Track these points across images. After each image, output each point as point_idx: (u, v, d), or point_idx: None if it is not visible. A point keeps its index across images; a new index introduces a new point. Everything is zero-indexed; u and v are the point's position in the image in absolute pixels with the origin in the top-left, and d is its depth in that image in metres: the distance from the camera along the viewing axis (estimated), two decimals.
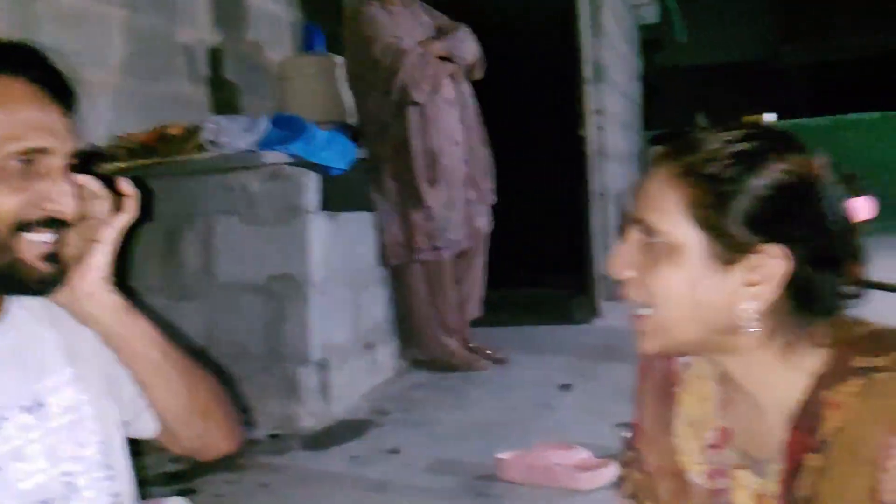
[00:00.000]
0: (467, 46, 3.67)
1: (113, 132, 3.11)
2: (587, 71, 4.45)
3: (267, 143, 2.92)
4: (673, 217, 0.88)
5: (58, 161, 0.96)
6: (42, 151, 0.94)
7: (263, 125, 2.93)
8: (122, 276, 1.08)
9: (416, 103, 3.48)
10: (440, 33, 3.66)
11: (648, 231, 0.90)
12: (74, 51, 3.02)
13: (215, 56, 3.97)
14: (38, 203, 0.94)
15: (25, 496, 0.98)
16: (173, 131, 3.10)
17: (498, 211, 3.91)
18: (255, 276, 2.91)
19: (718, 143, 0.89)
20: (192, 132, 3.07)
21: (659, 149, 0.96)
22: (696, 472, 1.01)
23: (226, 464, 2.49)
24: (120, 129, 3.14)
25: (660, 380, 1.07)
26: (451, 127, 3.61)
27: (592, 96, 4.54)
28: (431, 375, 3.57)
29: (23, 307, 1.04)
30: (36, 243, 0.95)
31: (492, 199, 3.80)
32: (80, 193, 1.00)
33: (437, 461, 2.49)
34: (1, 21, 2.83)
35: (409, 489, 2.29)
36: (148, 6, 3.54)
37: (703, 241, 0.87)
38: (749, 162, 0.86)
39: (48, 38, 2.98)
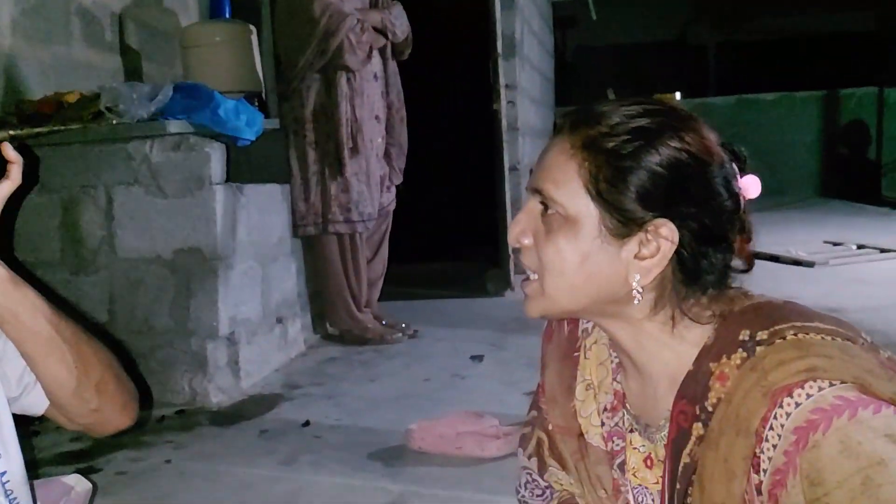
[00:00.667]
0: (401, 23, 3.66)
1: (5, 100, 2.95)
2: (499, 45, 4.46)
3: (170, 112, 2.82)
4: (569, 188, 0.90)
5: None
6: None
7: (166, 93, 2.83)
8: (9, 248, 1.03)
9: (347, 69, 3.44)
10: (375, 6, 3.63)
11: (545, 201, 0.92)
12: None
13: (118, 21, 3.80)
14: None
15: None
16: (70, 98, 2.97)
17: (412, 185, 3.90)
18: (159, 249, 2.83)
19: (618, 117, 0.90)
20: (90, 99, 2.94)
21: (560, 120, 0.97)
22: (594, 434, 1.04)
23: (130, 441, 2.43)
24: (12, 96, 2.99)
25: (563, 343, 1.09)
26: (373, 101, 3.61)
27: (504, 71, 4.55)
28: (344, 349, 3.55)
29: None
30: None
31: (400, 179, 3.82)
32: None
33: (348, 434, 2.49)
34: None
35: (319, 462, 2.28)
36: None
37: (597, 213, 0.89)
38: (646, 138, 0.88)
39: None
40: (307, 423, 2.59)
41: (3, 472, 1.06)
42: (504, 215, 4.48)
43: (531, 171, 0.97)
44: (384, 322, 3.72)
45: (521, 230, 0.94)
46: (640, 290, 0.90)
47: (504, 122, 4.48)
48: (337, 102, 3.47)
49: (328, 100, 3.49)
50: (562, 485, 1.13)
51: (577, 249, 0.90)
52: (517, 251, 0.97)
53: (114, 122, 2.77)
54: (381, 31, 3.59)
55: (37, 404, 1.14)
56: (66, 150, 2.81)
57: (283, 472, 2.24)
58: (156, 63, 3.97)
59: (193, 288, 2.82)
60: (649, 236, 0.88)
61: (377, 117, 3.65)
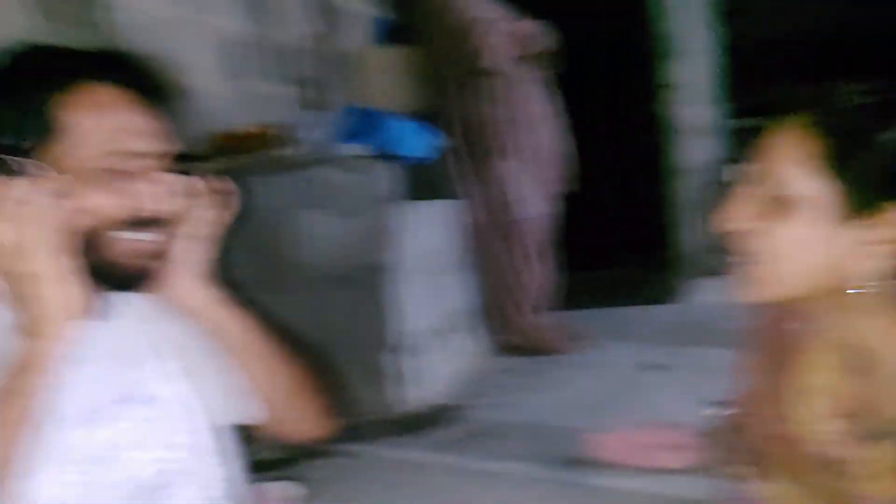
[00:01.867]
0: (538, 36, 3.65)
1: (206, 133, 3.22)
2: (661, 43, 4.35)
3: (345, 137, 2.97)
4: (797, 170, 0.86)
5: (151, 163, 1.00)
6: (135, 154, 0.98)
7: (341, 119, 2.98)
8: (221, 271, 1.13)
9: (489, 74, 3.50)
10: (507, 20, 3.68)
11: (770, 183, 0.88)
12: (170, 57, 3.13)
13: (296, 55, 4.05)
14: (133, 204, 0.98)
15: (143, 482, 1.04)
16: (256, 130, 3.19)
17: (575, 192, 3.87)
18: (340, 267, 2.97)
19: (846, 97, 0.86)
20: (273, 130, 3.15)
21: (780, 101, 0.93)
22: (816, 441, 0.98)
23: (316, 451, 2.56)
24: (208, 130, 3.25)
25: (775, 346, 1.04)
26: (524, 106, 3.62)
27: (667, 69, 4.43)
28: (519, 359, 3.57)
29: (126, 302, 1.09)
30: (132, 242, 0.99)
31: (569, 185, 3.78)
32: (177, 192, 1.04)
33: (530, 443, 2.50)
34: (94, 34, 2.96)
35: (502, 474, 2.31)
36: (231, 9, 3.64)
37: (827, 195, 0.84)
38: (882, 116, 0.83)
39: (137, 42, 3.10)
40: (488, 433, 2.63)
41: (227, 479, 1.15)
42: (673, 218, 4.35)
43: (697, 170, 0.94)
44: (558, 331, 3.70)
45: (739, 214, 0.91)
46: (872, 277, 0.84)
47: (669, 122, 4.35)
48: (483, 108, 3.52)
49: (475, 107, 3.55)
50: (764, 494, 1.08)
51: (804, 232, 0.86)
52: (733, 236, 0.93)
53: (296, 149, 2.95)
54: (521, 40, 3.60)
55: (244, 414, 1.23)
56: (255, 179, 3.01)
57: (467, 481, 2.28)
58: (330, 90, 4.19)
59: (372, 302, 2.94)
60: (882, 220, 0.83)
61: (530, 122, 3.65)
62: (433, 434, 2.71)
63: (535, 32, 3.65)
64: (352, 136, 2.98)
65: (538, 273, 3.72)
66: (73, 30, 2.87)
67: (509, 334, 3.72)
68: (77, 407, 0.99)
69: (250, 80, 3.73)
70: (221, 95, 3.52)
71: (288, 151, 2.98)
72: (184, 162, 1.07)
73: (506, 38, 3.53)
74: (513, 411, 2.85)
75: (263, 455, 2.55)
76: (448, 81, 3.56)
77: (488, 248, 3.61)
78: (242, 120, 3.35)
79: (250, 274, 3.08)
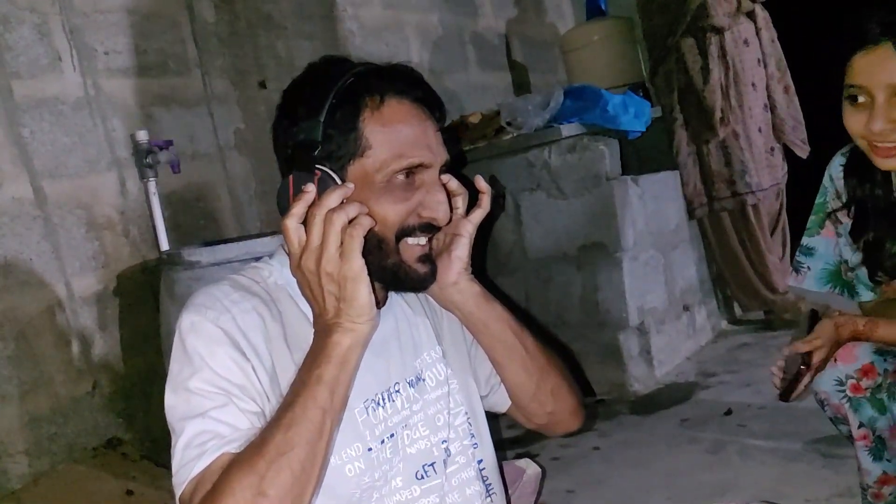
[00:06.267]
0: None
1: None
2: None
3: (562, 117, 2.97)
4: None
5: (433, 173, 1.07)
6: (421, 166, 1.05)
7: (557, 99, 2.98)
8: (482, 267, 1.19)
9: (713, 28, 3.27)
10: None
11: None
12: (380, 58, 3.31)
13: (504, 41, 4.11)
14: (417, 211, 1.06)
15: (412, 459, 1.12)
16: (473, 119, 3.28)
17: (809, 158, 3.58)
18: (565, 247, 2.99)
19: None
20: (490, 117, 3.22)
21: None
22: None
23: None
24: None
25: None
26: (747, 67, 3.36)
27: None
28: (756, 334, 3.39)
29: (398, 295, 1.18)
30: (414, 246, 1.08)
31: (804, 150, 3.47)
32: (452, 198, 1.11)
33: (775, 422, 2.38)
34: (317, 39, 3.19)
35: (748, 451, 2.22)
36: (437, 5, 3.76)
37: None
38: None
39: (358, 50, 3.30)
40: (729, 412, 2.53)
41: (480, 461, 1.21)
42: None
43: None
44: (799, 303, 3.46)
45: None
46: None
47: None
48: (707, 66, 3.30)
49: (696, 68, 3.33)
50: None
51: None
52: None
53: (514, 134, 3.00)
54: None
55: (500, 403, 1.28)
56: (476, 167, 3.10)
57: (711, 461, 2.22)
58: (540, 73, 4.21)
59: (600, 281, 2.93)
60: None
61: (753, 84, 3.39)
62: (670, 413, 2.65)
63: None
64: (569, 115, 2.97)
65: (774, 245, 3.49)
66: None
67: (745, 306, 3.53)
68: (373, 387, 1.09)
69: (461, 71, 3.84)
70: (436, 89, 3.65)
71: (507, 136, 3.03)
72: (453, 163, 1.13)
73: None
74: (751, 388, 2.72)
75: (505, 434, 2.65)
76: (666, 45, 3.39)
77: (718, 223, 3.43)
78: (459, 111, 3.46)
79: (476, 259, 3.20)
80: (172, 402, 1.00)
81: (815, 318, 1.54)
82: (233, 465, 0.92)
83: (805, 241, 1.67)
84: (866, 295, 1.58)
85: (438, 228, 1.09)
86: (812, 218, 1.66)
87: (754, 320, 3.54)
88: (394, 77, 1.07)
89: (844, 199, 1.58)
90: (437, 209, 1.06)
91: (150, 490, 2.23)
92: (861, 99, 1.38)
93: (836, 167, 1.61)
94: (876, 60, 1.34)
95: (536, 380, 1.22)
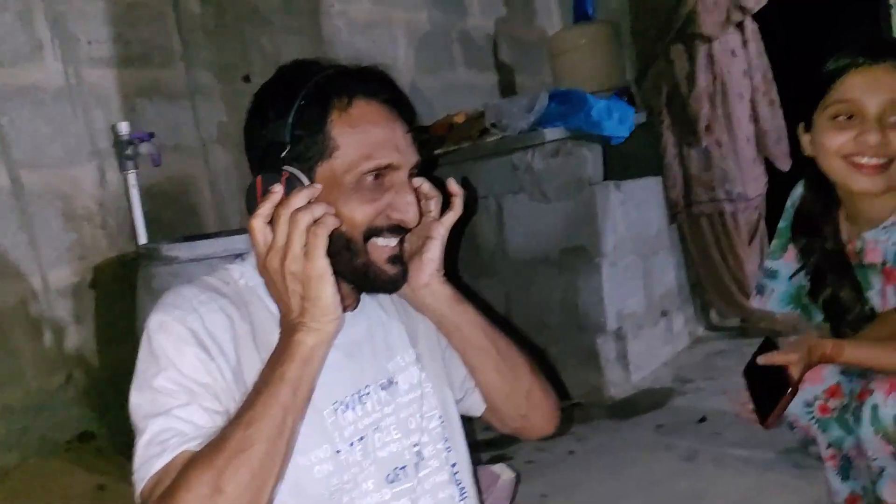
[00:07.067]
0: None
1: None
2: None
3: (547, 120, 2.97)
4: None
5: (403, 175, 1.07)
6: (390, 167, 1.05)
7: (542, 103, 2.98)
8: (454, 269, 1.19)
9: (702, 37, 3.30)
10: None
11: None
12: (368, 56, 3.30)
13: (491, 41, 4.10)
14: (386, 212, 1.06)
15: (383, 462, 1.12)
16: (458, 119, 3.27)
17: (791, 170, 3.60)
18: (547, 250, 2.99)
19: None
20: (475, 118, 3.21)
21: None
22: None
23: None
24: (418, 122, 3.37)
25: None
26: (734, 77, 3.39)
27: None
28: (732, 341, 3.42)
29: (371, 298, 1.18)
30: (383, 248, 1.08)
31: (786, 164, 3.49)
32: (422, 199, 1.11)
33: (750, 430, 2.38)
34: (304, 34, 3.17)
35: (722, 459, 2.23)
36: (426, 3, 3.75)
37: None
38: None
39: (346, 46, 3.29)
40: (704, 419, 2.55)
41: (454, 464, 1.21)
42: None
43: None
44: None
45: None
46: None
47: None
48: (691, 77, 3.33)
49: (682, 75, 3.36)
50: None
51: None
52: None
53: (499, 136, 2.99)
54: (735, 4, 3.35)
55: (475, 407, 1.28)
56: (460, 167, 3.10)
57: (685, 468, 2.23)
58: (527, 74, 4.21)
59: (580, 285, 2.94)
60: None
61: (741, 95, 3.42)
62: (646, 418, 2.67)
63: None
64: (553, 118, 2.98)
65: (752, 253, 3.51)
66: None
67: (722, 313, 3.56)
68: (343, 389, 1.09)
69: (448, 70, 3.83)
70: (422, 88, 3.64)
71: (492, 138, 3.02)
72: (424, 166, 1.13)
73: (723, 3, 3.31)
74: (727, 396, 2.72)
75: (480, 436, 2.65)
76: (655, 50, 3.41)
77: (697, 228, 3.46)
78: (444, 110, 3.45)
79: (460, 260, 3.20)
80: (137, 400, 1.01)
81: (768, 343, 1.55)
82: (192, 462, 0.93)
83: (768, 263, 1.70)
84: (818, 317, 1.61)
85: (408, 230, 1.10)
86: (775, 241, 1.69)
87: (730, 327, 3.57)
88: (362, 78, 1.07)
89: (798, 261, 1.59)
90: (405, 211, 1.06)
91: (122, 485, 2.20)
92: (847, 116, 1.39)
93: (796, 197, 1.64)
94: (872, 77, 1.36)
95: (510, 383, 1.22)
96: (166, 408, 0.98)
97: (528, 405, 1.25)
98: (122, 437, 2.44)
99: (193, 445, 0.95)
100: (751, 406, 1.51)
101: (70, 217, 2.43)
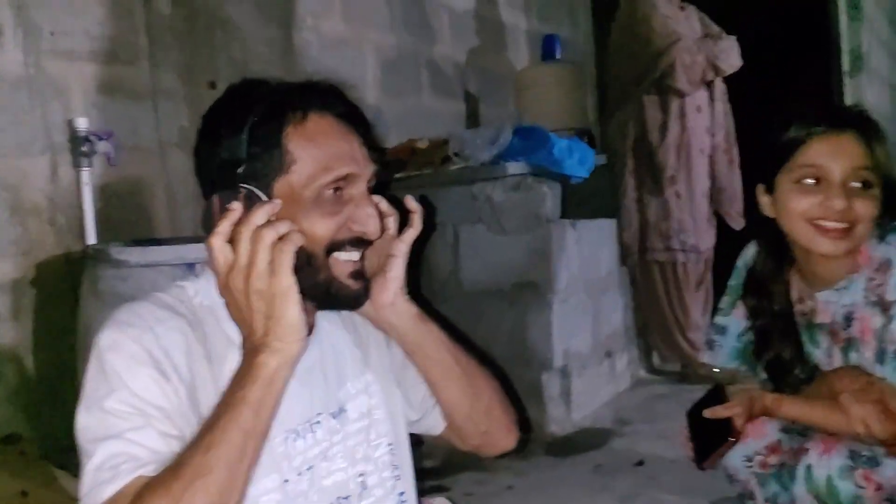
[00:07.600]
0: (727, 56, 3.51)
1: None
2: (845, 61, 4.11)
3: (509, 154, 3.00)
4: None
5: (361, 186, 1.07)
6: (348, 179, 1.04)
7: (506, 136, 3.01)
8: (416, 287, 1.17)
9: (676, 92, 3.39)
10: (707, 36, 3.56)
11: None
12: (336, 73, 3.29)
13: (459, 70, 4.13)
14: (347, 225, 1.05)
15: (327, 491, 1.10)
16: (421, 145, 3.28)
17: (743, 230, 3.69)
18: (500, 283, 3.00)
19: None
20: (438, 145, 3.22)
21: None
22: None
23: (473, 463, 2.59)
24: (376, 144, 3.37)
25: None
26: (697, 133, 3.50)
27: (851, 89, 4.18)
28: (673, 386, 3.47)
29: (326, 319, 1.16)
30: (346, 262, 1.06)
31: (739, 223, 3.58)
32: (381, 213, 1.10)
33: (685, 477, 2.42)
34: (275, 46, 3.15)
35: None
36: (397, 27, 3.77)
37: None
38: None
39: (315, 62, 3.27)
40: (641, 463, 2.57)
41: (402, 493, 1.19)
42: None
43: None
44: None
45: None
46: None
47: None
48: (660, 128, 3.42)
49: (654, 124, 3.44)
50: None
51: None
52: None
53: (460, 165, 3.01)
54: (711, 64, 3.47)
55: (435, 426, 1.27)
56: (419, 192, 3.10)
57: None
58: (492, 105, 4.25)
59: (529, 320, 2.95)
60: None
61: (701, 150, 3.53)
62: (585, 458, 2.68)
63: (722, 55, 3.50)
64: (515, 153, 3.01)
65: (698, 302, 3.59)
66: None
67: (663, 357, 3.62)
68: (295, 417, 1.07)
69: (414, 95, 3.84)
70: (387, 110, 3.64)
71: (454, 167, 3.04)
72: (380, 183, 1.13)
73: (702, 60, 3.42)
74: (665, 441, 2.77)
75: (422, 464, 2.63)
76: (628, 98, 3.49)
77: (648, 273, 3.52)
78: (408, 134, 3.46)
79: (408, 285, 3.18)
80: (86, 422, 0.95)
81: (717, 391, 1.58)
82: (147, 489, 0.88)
83: (718, 319, 1.74)
84: (763, 374, 1.65)
85: (370, 243, 1.08)
86: (725, 298, 1.73)
87: (671, 372, 3.62)
88: (316, 92, 1.07)
89: (747, 318, 1.63)
90: (367, 222, 1.05)
91: (46, 492, 2.13)
92: (812, 180, 1.43)
93: (749, 257, 1.67)
94: (837, 144, 1.41)
95: (471, 400, 1.21)
96: (118, 430, 0.92)
97: (487, 421, 1.24)
98: (49, 442, 2.36)
99: (148, 471, 0.90)
100: (690, 446, 1.54)
101: (16, 210, 2.35)
